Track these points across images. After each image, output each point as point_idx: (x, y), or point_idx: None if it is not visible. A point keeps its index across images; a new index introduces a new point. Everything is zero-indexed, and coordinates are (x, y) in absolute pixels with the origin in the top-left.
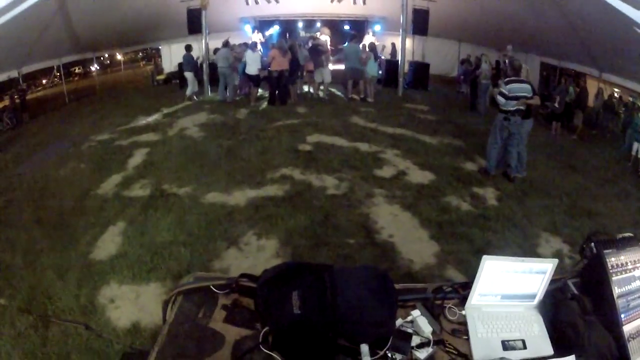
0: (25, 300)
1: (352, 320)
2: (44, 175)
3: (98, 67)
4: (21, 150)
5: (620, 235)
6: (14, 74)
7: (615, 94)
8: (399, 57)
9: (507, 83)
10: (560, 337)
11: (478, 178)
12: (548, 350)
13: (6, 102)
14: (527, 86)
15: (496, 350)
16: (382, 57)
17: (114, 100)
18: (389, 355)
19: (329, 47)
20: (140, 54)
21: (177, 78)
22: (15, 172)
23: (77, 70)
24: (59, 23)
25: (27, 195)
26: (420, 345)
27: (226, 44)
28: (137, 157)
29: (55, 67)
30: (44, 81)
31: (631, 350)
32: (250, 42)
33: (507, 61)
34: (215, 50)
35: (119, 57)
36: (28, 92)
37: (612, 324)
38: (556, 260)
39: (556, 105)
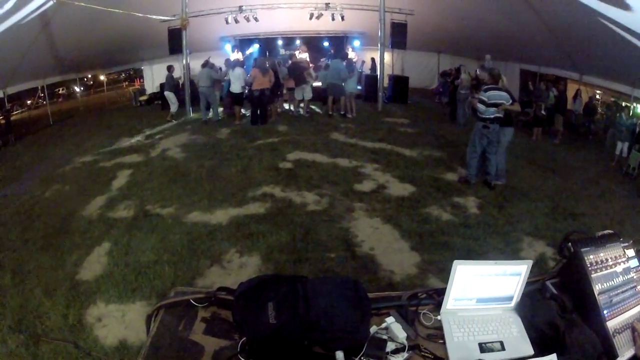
0: (15, 320)
1: (325, 327)
2: (30, 197)
3: (81, 88)
4: (7, 171)
5: (599, 233)
6: None
7: (597, 96)
8: (378, 72)
9: (486, 90)
10: (539, 337)
11: (458, 187)
12: (528, 350)
13: None
14: (505, 94)
15: (473, 352)
16: (362, 72)
17: (97, 121)
18: None
19: (308, 64)
20: (123, 74)
21: (159, 98)
22: (1, 194)
23: (60, 91)
24: (42, 44)
25: (14, 217)
26: (396, 351)
27: (206, 64)
28: (121, 179)
29: (39, 88)
30: (28, 102)
31: (617, 345)
32: (231, 59)
33: (479, 70)
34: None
35: (101, 77)
36: (12, 112)
37: (595, 321)
38: (530, 261)
39: (543, 112)
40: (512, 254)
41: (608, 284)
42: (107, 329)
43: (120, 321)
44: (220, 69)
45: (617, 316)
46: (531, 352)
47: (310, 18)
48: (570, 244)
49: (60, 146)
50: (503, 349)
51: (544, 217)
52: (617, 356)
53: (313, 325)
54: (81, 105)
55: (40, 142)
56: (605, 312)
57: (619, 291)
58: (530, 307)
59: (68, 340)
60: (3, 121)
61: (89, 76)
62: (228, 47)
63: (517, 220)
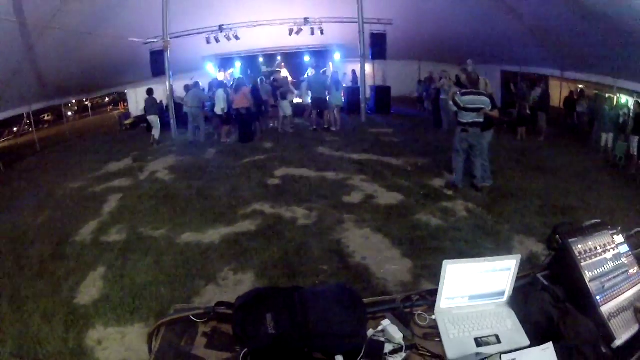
0: (16, 346)
1: (324, 334)
2: (22, 224)
3: (67, 114)
4: None
5: (586, 223)
6: None
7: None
8: (360, 83)
9: (463, 94)
10: (534, 328)
11: (446, 193)
12: (524, 341)
13: None
14: (484, 98)
15: (470, 347)
16: (344, 85)
17: (85, 146)
18: None
19: (289, 80)
20: (107, 98)
21: (144, 122)
22: None
23: (46, 118)
24: (27, 69)
25: (7, 244)
26: (393, 352)
27: (195, 85)
28: (111, 203)
29: (25, 115)
30: (14, 129)
31: (614, 328)
32: (216, 80)
33: (463, 74)
34: (187, 88)
35: (86, 102)
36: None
37: (589, 307)
38: (519, 256)
39: (528, 112)
40: (504, 253)
41: (598, 271)
42: (107, 351)
43: (121, 343)
44: (203, 89)
45: (610, 301)
46: (527, 343)
47: (290, 34)
48: (558, 236)
49: (49, 173)
50: (499, 342)
51: (534, 214)
52: (614, 339)
53: (312, 332)
54: (68, 130)
55: (29, 169)
56: (598, 297)
57: (610, 277)
58: (523, 300)
59: None
60: None
61: (74, 101)
62: (210, 66)
63: (506, 220)
